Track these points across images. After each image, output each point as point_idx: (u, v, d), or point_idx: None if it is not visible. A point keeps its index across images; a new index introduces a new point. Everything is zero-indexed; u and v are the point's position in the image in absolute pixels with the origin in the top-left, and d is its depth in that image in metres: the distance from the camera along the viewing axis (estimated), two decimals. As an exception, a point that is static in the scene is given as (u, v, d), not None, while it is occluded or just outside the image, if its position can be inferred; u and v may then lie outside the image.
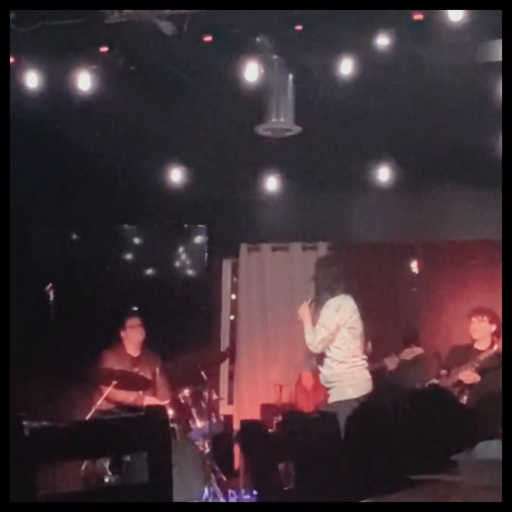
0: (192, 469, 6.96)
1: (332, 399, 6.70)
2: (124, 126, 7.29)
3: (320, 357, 6.82)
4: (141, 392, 7.59)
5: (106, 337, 7.96)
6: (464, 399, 7.27)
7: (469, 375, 7.33)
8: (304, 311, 6.87)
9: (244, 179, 8.55)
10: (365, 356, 6.85)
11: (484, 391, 7.01)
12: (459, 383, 7.37)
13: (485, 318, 7.48)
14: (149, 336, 7.97)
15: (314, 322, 6.79)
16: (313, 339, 6.72)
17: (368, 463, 3.04)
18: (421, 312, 8.96)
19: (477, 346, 7.53)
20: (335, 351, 6.74)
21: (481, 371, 7.33)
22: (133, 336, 7.86)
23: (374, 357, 7.38)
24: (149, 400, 7.54)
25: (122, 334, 7.88)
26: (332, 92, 6.43)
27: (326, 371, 6.79)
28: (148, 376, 7.68)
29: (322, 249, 9.16)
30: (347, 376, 6.70)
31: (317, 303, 6.87)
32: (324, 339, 6.70)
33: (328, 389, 6.81)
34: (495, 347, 7.36)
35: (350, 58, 6.06)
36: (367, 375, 6.79)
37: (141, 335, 7.88)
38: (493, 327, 7.46)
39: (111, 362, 7.65)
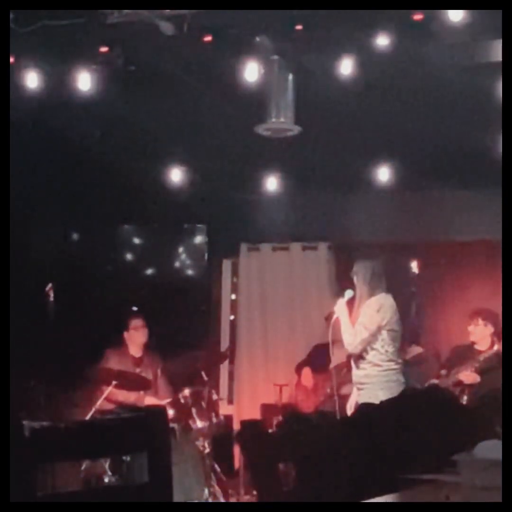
0: (192, 469, 6.96)
1: (361, 399, 6.47)
2: (124, 126, 7.29)
3: (354, 359, 6.63)
4: (142, 392, 7.59)
5: (106, 337, 7.97)
6: (464, 399, 7.27)
7: (469, 375, 7.33)
8: (342, 308, 6.62)
9: (244, 179, 8.55)
10: (400, 360, 6.67)
11: (484, 391, 7.02)
12: (459, 383, 7.36)
13: (482, 321, 7.47)
14: (148, 336, 7.98)
15: (352, 319, 6.57)
16: (354, 339, 6.49)
17: (368, 463, 3.04)
18: (421, 312, 8.96)
19: (477, 346, 7.53)
20: (372, 353, 6.53)
21: (481, 371, 7.33)
22: (136, 337, 7.88)
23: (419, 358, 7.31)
24: (149, 400, 7.55)
25: (125, 335, 7.89)
26: (332, 92, 6.43)
27: (359, 372, 6.58)
28: (150, 376, 7.69)
29: (322, 249, 9.17)
30: (380, 379, 6.51)
31: (356, 300, 6.64)
32: (364, 340, 6.47)
33: (357, 388, 6.62)
34: (495, 347, 7.36)
35: (350, 58, 6.05)
36: (401, 378, 6.60)
37: (144, 337, 7.90)
38: (492, 328, 7.46)
39: (113, 362, 7.66)
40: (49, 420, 6.41)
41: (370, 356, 6.54)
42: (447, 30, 5.57)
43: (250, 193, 8.86)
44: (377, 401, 6.31)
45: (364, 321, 6.51)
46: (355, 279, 6.70)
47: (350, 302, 6.69)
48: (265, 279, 9.34)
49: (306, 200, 9.01)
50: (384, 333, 6.52)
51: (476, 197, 8.47)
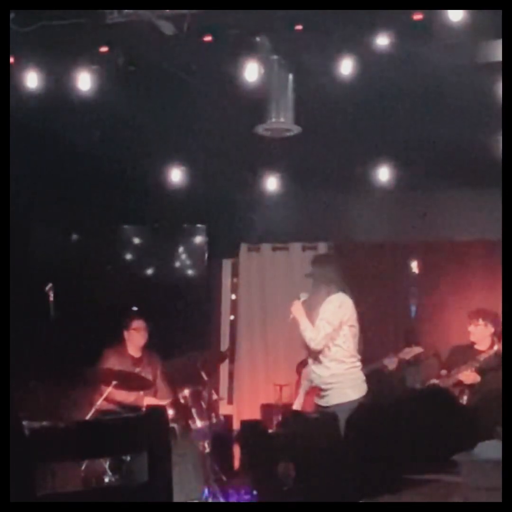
0: (192, 469, 6.96)
1: (331, 401, 6.52)
2: (124, 126, 7.29)
3: (315, 357, 6.68)
4: (141, 392, 7.60)
5: (106, 337, 7.97)
6: (464, 399, 7.27)
7: (469, 375, 7.33)
8: (298, 309, 6.71)
9: (244, 179, 8.55)
10: (360, 357, 6.74)
11: (484, 391, 7.03)
12: (459, 383, 7.37)
13: (482, 321, 7.48)
14: (150, 338, 7.98)
15: (310, 319, 6.65)
16: (316, 335, 6.56)
17: (368, 463, 3.04)
18: (421, 312, 8.96)
19: (477, 346, 7.53)
20: (335, 349, 6.61)
21: (481, 371, 7.33)
22: (136, 338, 7.88)
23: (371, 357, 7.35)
24: (149, 400, 7.55)
25: (125, 334, 7.89)
26: (332, 92, 6.43)
27: (323, 372, 6.62)
28: (149, 376, 7.69)
29: (322, 249, 9.17)
30: (347, 377, 6.58)
31: (312, 301, 6.73)
32: (328, 335, 6.55)
33: (321, 390, 6.65)
34: (495, 348, 7.37)
35: (350, 58, 6.05)
36: (362, 376, 6.70)
37: (144, 338, 7.91)
38: (492, 329, 7.46)
39: (112, 361, 7.66)
40: (49, 420, 6.42)
41: (333, 352, 6.61)
42: (447, 30, 5.57)
43: (250, 193, 8.85)
44: (347, 400, 6.39)
45: (326, 316, 6.59)
46: (311, 280, 6.80)
47: (306, 304, 6.77)
48: (265, 279, 9.34)
49: (306, 200, 9.00)
50: (346, 329, 6.61)
51: (476, 197, 8.47)
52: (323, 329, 6.57)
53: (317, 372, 6.69)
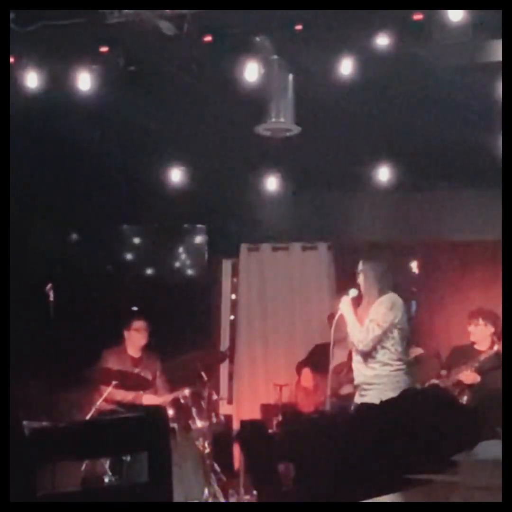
0: (192, 469, 6.96)
1: (370, 401, 6.18)
2: (124, 126, 7.29)
3: (362, 357, 6.53)
4: (140, 391, 7.59)
5: (107, 337, 7.97)
6: (464, 399, 7.27)
7: (469, 375, 7.33)
8: (347, 306, 6.54)
9: (244, 179, 8.55)
10: (407, 359, 6.64)
11: (484, 391, 7.02)
12: (459, 383, 7.36)
13: (482, 321, 7.47)
14: (150, 338, 7.98)
15: (358, 318, 6.51)
16: (365, 336, 6.40)
17: (368, 463, 3.04)
18: (421, 312, 8.96)
19: (477, 346, 7.53)
20: (383, 352, 6.47)
21: (481, 371, 7.33)
22: (136, 339, 7.88)
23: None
24: (148, 399, 7.53)
25: (126, 334, 7.89)
26: (332, 92, 6.43)
27: (367, 372, 6.49)
28: (149, 376, 7.69)
29: (322, 249, 9.17)
30: (391, 379, 6.43)
31: (363, 299, 6.58)
32: (377, 338, 6.40)
33: (363, 389, 6.52)
34: (495, 348, 7.36)
35: (350, 58, 6.05)
36: (407, 379, 6.52)
37: (144, 339, 7.91)
38: (492, 329, 7.46)
39: (111, 361, 7.66)
40: (49, 420, 6.41)
41: (380, 354, 6.47)
42: (447, 30, 5.57)
43: (250, 193, 8.85)
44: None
45: (377, 318, 6.43)
46: (361, 278, 6.63)
47: (354, 302, 6.63)
48: (265, 279, 9.34)
49: (306, 200, 9.01)
50: (395, 332, 6.47)
51: (476, 197, 8.47)
52: (372, 331, 6.41)
53: (361, 371, 6.56)
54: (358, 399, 6.65)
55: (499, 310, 6.69)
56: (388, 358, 6.46)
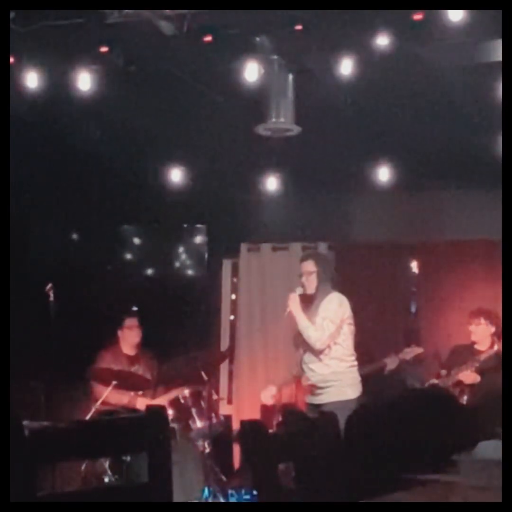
0: (192, 469, 6.96)
1: (328, 399, 6.51)
2: (124, 126, 7.29)
3: (314, 355, 6.65)
4: (132, 393, 7.58)
5: (107, 337, 7.97)
6: (464, 399, 7.27)
7: (469, 375, 7.33)
8: (296, 304, 6.68)
9: (244, 179, 8.55)
10: (356, 355, 6.74)
11: (484, 391, 7.02)
12: (459, 383, 7.37)
13: (484, 320, 7.48)
14: (149, 336, 7.98)
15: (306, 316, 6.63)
16: (322, 335, 6.53)
17: (368, 463, 3.04)
18: (421, 312, 8.96)
19: (477, 346, 7.53)
20: (335, 348, 6.61)
21: (481, 371, 7.33)
22: (129, 337, 7.88)
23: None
24: (142, 402, 7.52)
25: (119, 333, 7.90)
26: (332, 92, 6.43)
27: (323, 370, 6.60)
28: (147, 375, 7.69)
29: (322, 249, 9.16)
30: (347, 375, 6.59)
31: (311, 298, 6.71)
32: (332, 335, 6.55)
33: (317, 388, 6.63)
34: (495, 347, 7.37)
35: (350, 58, 6.05)
36: (359, 376, 6.71)
37: (138, 337, 7.91)
38: (493, 328, 7.46)
39: (107, 361, 7.66)
40: (49, 420, 6.41)
41: (333, 351, 6.60)
42: (447, 30, 5.57)
43: (250, 193, 8.85)
44: (345, 399, 6.37)
45: (329, 315, 6.57)
46: (311, 277, 6.75)
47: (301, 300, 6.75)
48: (265, 279, 9.33)
49: (306, 200, 9.00)
50: (345, 327, 6.63)
51: (476, 197, 8.47)
52: (327, 328, 6.55)
53: (316, 370, 6.66)
54: (311, 399, 6.69)
55: (499, 310, 6.69)
56: (341, 354, 6.60)
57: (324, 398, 6.56)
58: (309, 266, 6.84)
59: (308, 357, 6.72)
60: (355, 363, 6.70)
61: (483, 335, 7.50)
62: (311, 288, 6.76)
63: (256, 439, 3.15)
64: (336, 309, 6.61)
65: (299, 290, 6.77)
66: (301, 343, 6.79)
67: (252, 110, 6.36)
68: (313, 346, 6.62)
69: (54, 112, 7.01)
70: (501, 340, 7.36)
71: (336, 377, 6.59)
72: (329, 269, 6.90)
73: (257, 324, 9.31)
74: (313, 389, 6.72)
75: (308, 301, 6.76)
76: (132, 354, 7.88)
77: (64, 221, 9.14)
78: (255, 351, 9.26)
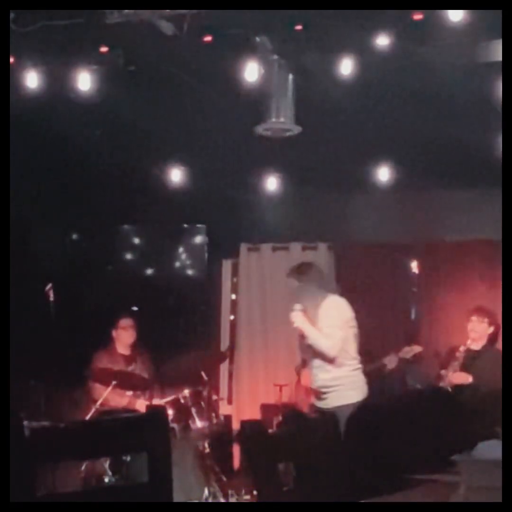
0: (192, 469, 6.96)
1: (332, 403, 6.41)
2: (124, 126, 7.29)
3: (319, 360, 6.56)
4: (131, 394, 7.58)
5: (106, 337, 7.97)
6: (464, 399, 7.27)
7: (459, 376, 7.31)
8: (300, 318, 6.55)
9: (244, 179, 8.55)
10: (360, 358, 6.64)
11: (484, 391, 7.03)
12: (453, 383, 7.37)
13: (486, 319, 7.48)
14: (149, 337, 7.98)
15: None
16: (333, 342, 6.39)
17: (368, 463, 3.04)
18: (421, 312, 8.96)
19: (473, 346, 7.52)
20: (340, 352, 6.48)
21: (467, 369, 7.33)
22: (124, 337, 7.89)
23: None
24: (141, 403, 7.52)
25: (114, 334, 7.92)
26: (332, 92, 6.43)
27: (324, 375, 6.52)
28: (145, 374, 7.70)
29: (322, 249, 9.16)
30: (349, 379, 6.49)
31: (308, 311, 6.58)
32: (341, 340, 6.41)
33: (322, 393, 6.55)
34: (468, 343, 7.42)
35: (350, 58, 6.05)
36: (364, 378, 6.61)
37: (132, 337, 7.92)
38: (491, 329, 7.46)
39: (104, 361, 7.66)
40: (49, 420, 6.42)
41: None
42: (447, 30, 5.57)
43: (250, 193, 8.85)
44: (349, 402, 6.33)
45: (331, 322, 6.44)
46: (299, 292, 6.64)
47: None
48: (265, 279, 9.33)
49: (306, 200, 9.00)
50: (346, 330, 6.50)
51: (476, 197, 8.47)
52: (335, 335, 6.41)
53: (319, 375, 6.58)
54: (317, 403, 6.67)
55: (498, 311, 6.69)
56: (343, 358, 6.48)
57: (329, 402, 6.46)
58: (292, 283, 6.73)
59: (316, 362, 6.59)
60: (358, 366, 6.58)
61: (482, 333, 7.49)
62: (307, 300, 6.61)
63: (256, 439, 3.15)
64: (336, 313, 6.49)
65: (298, 306, 6.62)
66: (306, 348, 6.71)
67: (252, 110, 6.37)
68: (327, 356, 6.48)
69: (54, 112, 7.00)
70: (489, 338, 7.42)
71: (339, 381, 6.48)
72: (316, 277, 6.70)
73: (257, 324, 9.31)
74: (318, 393, 6.68)
75: (309, 313, 6.60)
76: (128, 353, 7.89)
77: (64, 221, 9.14)
78: (255, 351, 9.26)
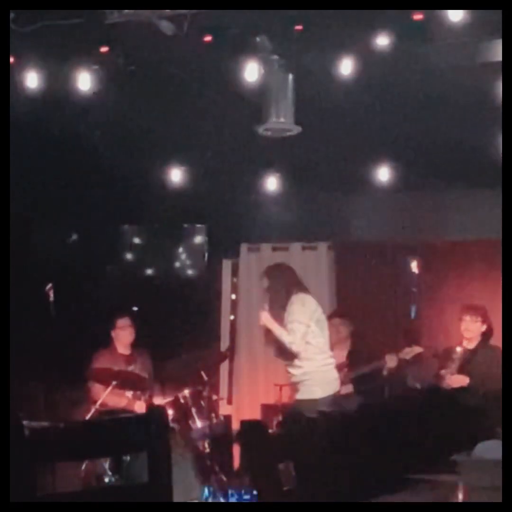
0: (192, 469, 6.96)
1: (298, 396, 6.64)
2: (124, 126, 7.29)
3: (289, 359, 6.70)
4: (130, 395, 7.58)
5: (106, 337, 7.97)
6: (464, 399, 7.26)
7: (456, 378, 7.29)
8: (268, 318, 6.73)
9: (244, 179, 8.55)
10: (331, 353, 6.79)
11: (484, 391, 7.02)
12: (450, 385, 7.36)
13: (479, 318, 7.47)
14: (148, 336, 7.98)
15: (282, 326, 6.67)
16: (294, 337, 6.57)
17: (368, 463, 3.04)
18: (421, 312, 8.96)
19: (469, 346, 7.51)
20: (306, 347, 6.61)
21: (463, 370, 7.33)
22: (122, 337, 7.89)
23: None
24: (140, 405, 7.52)
25: (113, 334, 7.92)
26: (332, 92, 6.43)
27: (295, 371, 6.68)
28: (144, 374, 7.69)
29: (322, 249, 9.16)
30: (317, 375, 6.61)
31: (276, 310, 6.74)
32: (304, 334, 6.57)
33: (297, 388, 6.71)
34: (464, 343, 7.41)
35: (350, 58, 6.05)
36: (335, 374, 6.73)
37: (131, 336, 7.92)
38: (484, 327, 7.46)
39: (104, 362, 7.66)
40: (49, 420, 6.41)
41: (304, 351, 6.61)
42: (447, 30, 5.57)
43: (250, 193, 8.85)
44: (311, 397, 6.43)
45: (295, 317, 6.61)
46: (267, 285, 6.84)
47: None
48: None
49: (306, 200, 9.00)
50: (313, 325, 6.64)
51: (476, 197, 8.47)
52: (297, 330, 6.58)
53: (291, 372, 6.74)
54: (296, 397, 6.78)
55: (498, 309, 6.68)
56: (311, 353, 6.62)
57: (297, 396, 6.68)
58: (264, 283, 6.94)
59: (286, 362, 6.78)
60: (329, 361, 6.72)
61: (476, 332, 7.48)
62: (274, 300, 6.80)
63: (256, 439, 3.15)
64: (299, 309, 6.63)
65: (265, 306, 6.82)
66: (274, 345, 6.84)
67: (252, 110, 6.37)
68: (290, 350, 6.65)
69: (54, 112, 7.01)
70: (483, 336, 7.41)
71: (307, 376, 6.62)
72: (283, 276, 6.85)
73: (257, 324, 9.30)
74: (294, 388, 6.84)
75: (277, 312, 6.76)
76: (128, 353, 7.89)
77: (64, 221, 9.14)
78: (255, 351, 9.25)
